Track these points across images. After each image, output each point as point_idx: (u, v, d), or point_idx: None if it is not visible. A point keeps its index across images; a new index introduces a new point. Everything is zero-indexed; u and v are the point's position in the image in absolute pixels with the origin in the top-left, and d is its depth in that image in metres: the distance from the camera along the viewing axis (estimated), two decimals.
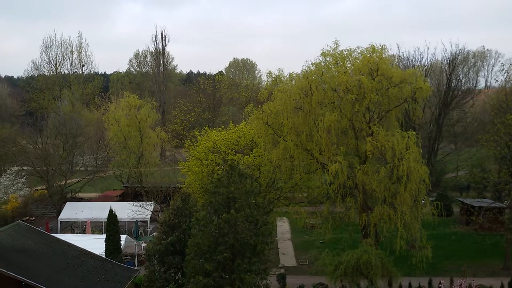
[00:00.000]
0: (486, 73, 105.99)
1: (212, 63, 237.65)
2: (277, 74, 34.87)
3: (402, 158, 28.21)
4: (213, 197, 24.27)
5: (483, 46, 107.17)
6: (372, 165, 30.61)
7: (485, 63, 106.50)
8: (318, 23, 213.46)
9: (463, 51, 64.37)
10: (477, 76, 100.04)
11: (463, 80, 68.71)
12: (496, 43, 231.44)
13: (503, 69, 65.35)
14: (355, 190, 30.89)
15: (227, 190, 23.85)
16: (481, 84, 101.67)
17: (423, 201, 29.79)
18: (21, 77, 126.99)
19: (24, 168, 57.33)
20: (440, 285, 29.01)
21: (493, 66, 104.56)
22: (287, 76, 34.24)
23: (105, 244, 32.90)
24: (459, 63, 63.62)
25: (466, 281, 25.98)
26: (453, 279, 31.01)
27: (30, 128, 66.91)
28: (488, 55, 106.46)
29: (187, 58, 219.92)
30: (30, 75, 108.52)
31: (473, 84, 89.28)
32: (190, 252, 24.14)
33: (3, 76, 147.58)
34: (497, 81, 71.73)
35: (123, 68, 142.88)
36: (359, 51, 32.81)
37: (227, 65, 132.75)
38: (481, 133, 45.21)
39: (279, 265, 37.94)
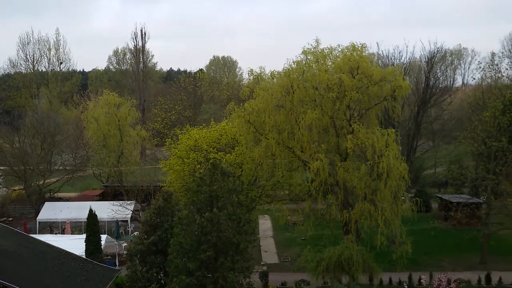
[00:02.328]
0: (463, 71, 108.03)
1: (192, 61, 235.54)
2: (259, 72, 34.93)
3: (382, 155, 28.55)
4: (196, 195, 24.16)
5: (460, 45, 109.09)
6: (353, 162, 30.90)
7: (462, 61, 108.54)
8: (299, 21, 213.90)
9: (440, 49, 65.28)
10: (454, 74, 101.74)
11: (441, 78, 69.68)
12: (471, 41, 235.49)
13: (480, 67, 66.64)
14: (336, 187, 31.15)
15: (210, 189, 23.75)
16: (459, 82, 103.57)
17: (402, 198, 30.21)
18: None
19: (1, 167, 56.17)
20: (421, 280, 29.61)
21: (469, 64, 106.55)
22: (269, 74, 34.32)
23: (85, 244, 32.48)
24: (437, 61, 64.48)
25: (446, 275, 26.51)
26: (432, 273, 31.61)
27: (6, 127, 65.60)
28: (465, 53, 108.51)
29: (167, 56, 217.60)
30: (6, 73, 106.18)
31: (450, 82, 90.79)
32: (172, 252, 23.99)
33: None
34: (474, 79, 72.98)
35: (102, 65, 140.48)
36: (339, 50, 33.06)
37: (207, 62, 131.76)
38: (459, 130, 46.03)
39: (262, 263, 38.04)
